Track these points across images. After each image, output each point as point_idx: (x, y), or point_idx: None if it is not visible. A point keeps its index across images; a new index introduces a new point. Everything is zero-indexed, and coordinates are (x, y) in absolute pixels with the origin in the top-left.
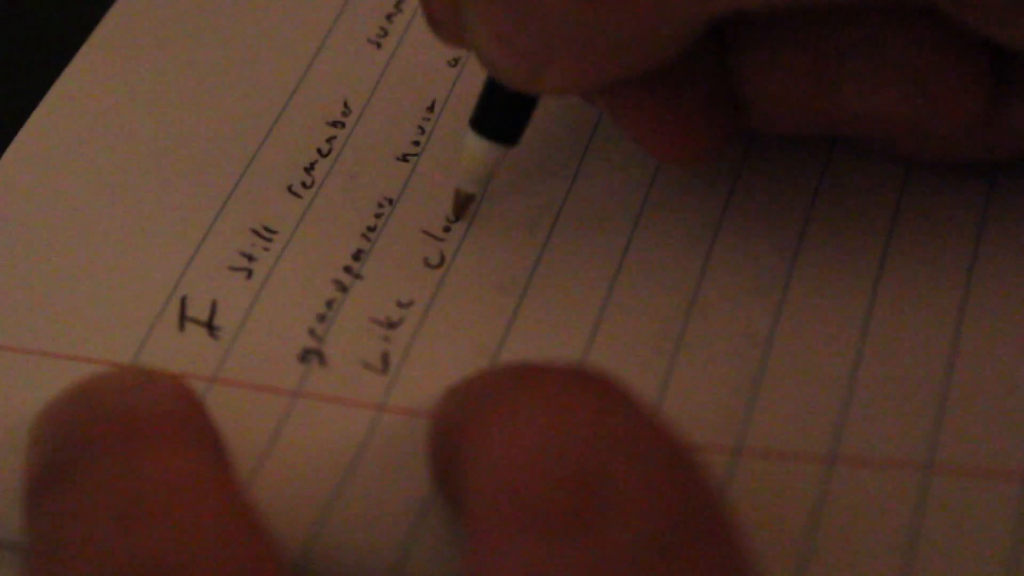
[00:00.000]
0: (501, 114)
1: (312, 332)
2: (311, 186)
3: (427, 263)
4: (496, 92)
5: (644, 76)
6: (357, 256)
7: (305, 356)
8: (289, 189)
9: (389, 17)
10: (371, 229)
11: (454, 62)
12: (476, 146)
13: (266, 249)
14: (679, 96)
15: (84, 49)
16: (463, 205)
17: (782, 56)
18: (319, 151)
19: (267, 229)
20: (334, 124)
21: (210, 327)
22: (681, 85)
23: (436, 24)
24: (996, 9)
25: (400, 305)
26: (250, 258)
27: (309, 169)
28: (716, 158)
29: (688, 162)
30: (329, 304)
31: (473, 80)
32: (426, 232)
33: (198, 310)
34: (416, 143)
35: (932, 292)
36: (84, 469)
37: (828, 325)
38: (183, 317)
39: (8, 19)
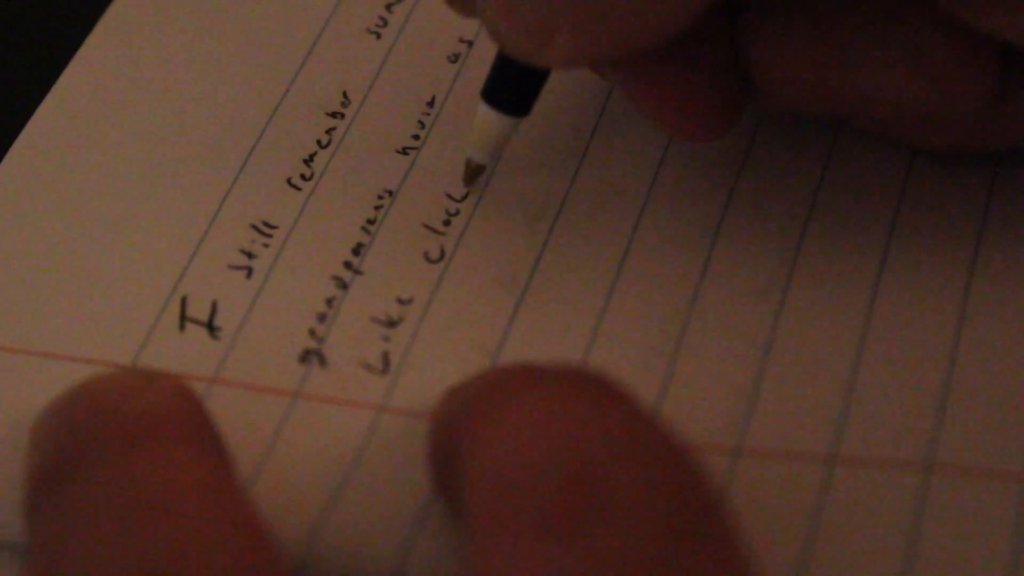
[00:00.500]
0: (512, 85)
1: (312, 332)
2: (311, 178)
3: (427, 258)
4: (507, 63)
5: (652, 51)
6: (357, 250)
7: (305, 357)
8: (288, 181)
9: (389, 7)
10: (371, 222)
11: (454, 57)
12: (487, 117)
13: (266, 246)
14: (690, 70)
15: (82, 50)
16: (474, 175)
17: (790, 33)
18: (319, 142)
19: (267, 224)
20: (333, 115)
21: (210, 327)
22: (692, 59)
23: None
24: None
25: (400, 302)
26: (250, 256)
27: (308, 161)
28: (726, 134)
29: (699, 137)
30: (329, 302)
31: (473, 77)
32: (426, 226)
33: (198, 310)
34: (416, 136)
35: (933, 292)
36: (85, 470)
37: (828, 325)
38: (183, 317)
39: (8, 19)
